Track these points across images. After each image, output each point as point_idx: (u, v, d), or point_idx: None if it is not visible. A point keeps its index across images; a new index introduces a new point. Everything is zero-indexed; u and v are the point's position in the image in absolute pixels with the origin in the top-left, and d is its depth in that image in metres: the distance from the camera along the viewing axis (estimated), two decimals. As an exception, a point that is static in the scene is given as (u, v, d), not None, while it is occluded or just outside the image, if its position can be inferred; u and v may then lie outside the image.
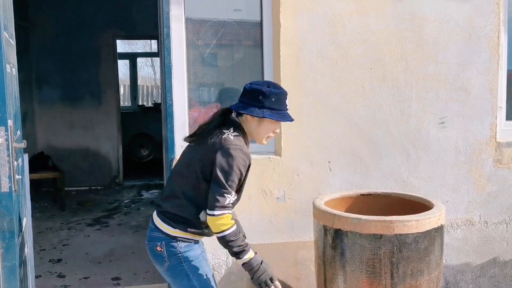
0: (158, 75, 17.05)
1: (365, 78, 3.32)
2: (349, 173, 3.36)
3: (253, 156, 3.21)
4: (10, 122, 1.89)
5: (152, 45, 14.59)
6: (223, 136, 2.09)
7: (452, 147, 3.47)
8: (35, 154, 6.40)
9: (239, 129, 2.16)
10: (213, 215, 2.03)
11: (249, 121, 2.17)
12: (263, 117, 2.10)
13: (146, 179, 7.69)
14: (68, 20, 6.91)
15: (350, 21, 3.27)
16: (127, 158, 8.01)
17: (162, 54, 3.17)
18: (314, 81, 3.27)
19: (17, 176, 1.94)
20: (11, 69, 2.13)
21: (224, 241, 2.06)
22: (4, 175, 1.84)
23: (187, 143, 2.25)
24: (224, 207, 2.04)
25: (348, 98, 3.32)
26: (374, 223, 2.41)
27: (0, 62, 1.84)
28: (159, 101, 11.67)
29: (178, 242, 2.13)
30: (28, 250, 2.56)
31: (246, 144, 2.16)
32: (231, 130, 2.12)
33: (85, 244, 4.63)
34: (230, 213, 2.07)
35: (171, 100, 3.15)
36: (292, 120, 2.19)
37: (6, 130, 1.85)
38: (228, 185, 2.04)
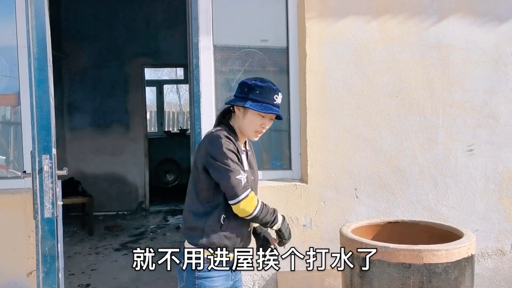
0: (183, 101, 17.35)
1: (391, 106, 3.34)
2: (376, 201, 3.35)
3: (279, 183, 3.28)
4: (54, 151, 1.98)
5: (177, 72, 14.93)
6: (207, 134, 2.15)
7: (481, 174, 3.42)
8: (65, 180, 6.55)
9: (226, 126, 2.17)
10: (238, 201, 2.03)
11: (237, 116, 2.17)
12: (244, 107, 2.10)
13: (171, 205, 7.77)
14: (99, 50, 7.16)
15: (375, 50, 3.32)
16: (153, 183, 8.12)
17: (191, 83, 3.26)
18: (340, 109, 3.30)
19: (58, 202, 2.02)
20: (52, 100, 2.25)
21: (257, 219, 2.10)
22: (47, 201, 1.93)
23: None
24: (243, 188, 2.04)
25: (374, 126, 3.33)
26: (402, 252, 2.39)
27: (47, 94, 1.95)
28: (185, 127, 11.89)
29: (197, 265, 2.08)
30: (61, 275, 2.62)
31: (232, 136, 2.13)
32: (218, 128, 2.16)
33: (113, 269, 4.69)
34: (251, 191, 2.07)
35: (200, 128, 3.22)
36: (279, 116, 2.15)
37: (51, 158, 1.95)
38: (230, 166, 2.03)
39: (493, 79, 3.41)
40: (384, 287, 2.43)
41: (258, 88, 2.12)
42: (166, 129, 11.37)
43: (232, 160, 2.05)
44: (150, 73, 14.39)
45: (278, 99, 2.16)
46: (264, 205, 2.12)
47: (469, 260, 2.48)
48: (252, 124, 2.15)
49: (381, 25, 3.31)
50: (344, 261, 2.65)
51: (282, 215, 2.25)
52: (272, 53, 3.50)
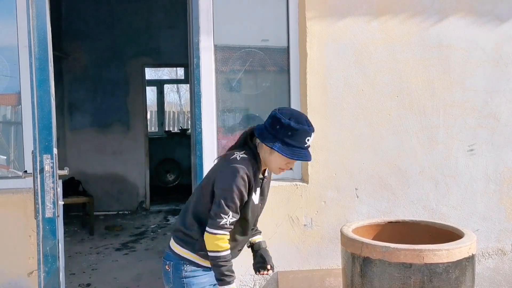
0: (183, 101, 17.36)
1: (391, 105, 3.34)
2: (377, 200, 3.35)
3: (279, 183, 3.28)
4: (55, 150, 1.98)
5: (178, 72, 14.93)
6: (231, 157, 2.05)
7: (481, 174, 3.43)
8: (66, 179, 6.56)
9: (252, 153, 2.09)
10: (208, 232, 2.00)
11: (263, 147, 2.09)
12: (272, 148, 2.02)
13: (172, 204, 7.77)
14: (100, 50, 7.15)
15: (376, 50, 3.32)
16: (153, 183, 8.12)
17: (192, 82, 3.26)
18: (340, 109, 3.30)
19: (59, 202, 2.02)
20: (53, 100, 2.25)
21: (213, 261, 2.02)
22: (49, 201, 1.93)
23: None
24: (220, 227, 1.99)
25: (375, 126, 3.33)
26: (403, 251, 2.40)
27: (48, 94, 1.95)
28: (185, 127, 11.88)
29: (185, 265, 2.11)
30: (62, 274, 2.62)
31: (255, 168, 2.07)
32: (242, 152, 2.07)
33: (113, 269, 4.69)
34: (226, 234, 2.01)
35: (200, 127, 3.22)
36: (307, 159, 2.06)
37: (52, 158, 1.95)
38: (226, 205, 1.98)
39: (494, 79, 3.41)
40: (385, 287, 2.43)
41: (291, 130, 2.01)
42: (166, 129, 11.37)
43: (232, 200, 2.00)
44: (150, 73, 14.39)
45: (310, 141, 2.05)
46: (228, 259, 2.04)
47: (470, 260, 2.49)
48: (278, 163, 2.09)
49: (382, 25, 3.31)
50: (345, 260, 2.65)
51: None
52: (273, 53, 3.50)
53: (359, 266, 2.52)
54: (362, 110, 3.32)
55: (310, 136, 2.05)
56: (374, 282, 2.46)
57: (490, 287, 3.48)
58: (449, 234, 2.69)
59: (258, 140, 2.11)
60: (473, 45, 3.38)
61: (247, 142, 2.13)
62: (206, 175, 2.20)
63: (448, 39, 3.36)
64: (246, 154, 2.07)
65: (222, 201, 1.99)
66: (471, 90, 3.40)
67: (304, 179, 3.36)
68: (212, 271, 2.10)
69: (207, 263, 2.11)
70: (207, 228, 2.02)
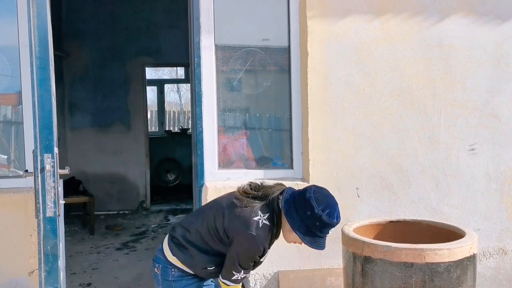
0: (184, 101, 17.35)
1: (392, 105, 3.34)
2: (378, 200, 3.35)
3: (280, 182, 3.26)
4: (56, 150, 1.98)
5: (178, 72, 14.91)
6: (254, 219, 1.98)
7: (483, 174, 3.42)
8: (67, 179, 6.55)
9: (273, 219, 2.03)
10: (222, 281, 2.09)
11: (285, 220, 2.04)
12: (295, 233, 2.00)
13: (172, 204, 7.77)
14: (100, 50, 7.15)
15: (377, 49, 3.31)
16: (153, 183, 8.12)
17: (193, 82, 3.26)
18: (341, 108, 3.30)
19: (60, 201, 2.02)
20: (54, 99, 2.24)
21: None
22: (49, 200, 1.93)
23: (231, 193, 2.20)
24: (232, 281, 2.07)
25: (376, 125, 3.33)
26: (404, 251, 2.39)
27: (49, 93, 1.95)
28: (186, 127, 11.87)
29: (173, 269, 2.16)
30: (62, 274, 2.62)
31: (273, 237, 2.07)
32: (266, 216, 2.00)
33: (114, 269, 4.69)
34: (239, 285, 2.09)
35: (201, 127, 3.22)
36: (322, 248, 2.05)
37: (53, 157, 1.94)
38: (240, 266, 2.03)
39: (495, 78, 3.41)
40: (386, 286, 2.43)
41: (320, 221, 1.97)
42: (167, 129, 11.36)
43: (246, 263, 2.04)
44: (151, 73, 14.38)
45: (332, 231, 2.04)
46: None
47: (471, 259, 2.48)
48: (293, 239, 2.08)
49: (383, 24, 3.31)
50: (346, 260, 2.65)
51: None
52: (274, 52, 3.49)
53: (360, 265, 2.52)
54: (363, 110, 3.32)
55: (334, 227, 2.03)
56: (375, 281, 2.46)
57: (491, 287, 3.48)
58: (450, 234, 2.69)
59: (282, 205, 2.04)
60: (474, 44, 3.38)
61: (273, 203, 2.05)
62: (216, 205, 2.15)
63: (449, 38, 3.36)
64: (268, 221, 2.00)
65: (236, 262, 2.02)
66: (472, 89, 3.39)
67: (305, 178, 3.36)
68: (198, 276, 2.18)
69: (189, 269, 2.17)
70: (220, 277, 2.09)
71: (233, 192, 2.18)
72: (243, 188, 2.12)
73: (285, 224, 2.05)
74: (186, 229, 2.18)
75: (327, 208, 1.99)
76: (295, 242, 2.11)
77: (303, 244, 2.06)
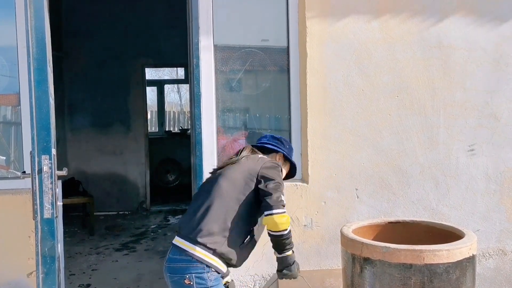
0: (184, 101, 17.35)
1: (391, 105, 3.33)
2: (377, 201, 3.34)
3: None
4: (54, 151, 1.97)
5: (178, 72, 14.91)
6: (265, 156, 2.45)
7: (482, 174, 3.42)
8: (66, 180, 6.55)
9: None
10: (278, 213, 2.16)
11: (276, 158, 2.55)
12: (283, 152, 2.54)
13: (172, 205, 7.76)
14: (100, 50, 7.15)
15: (376, 50, 3.31)
16: (153, 183, 8.11)
17: (192, 83, 3.25)
18: (340, 109, 3.29)
19: (58, 203, 2.01)
20: (52, 100, 2.24)
21: (281, 240, 2.22)
22: (47, 201, 1.92)
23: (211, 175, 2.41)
24: (283, 205, 2.19)
25: (375, 126, 3.32)
26: (403, 252, 2.38)
27: (47, 95, 1.94)
28: (186, 127, 11.87)
29: (209, 273, 2.10)
30: (61, 275, 2.62)
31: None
32: (267, 156, 2.48)
33: (113, 269, 4.68)
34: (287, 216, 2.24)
35: (200, 128, 3.21)
36: (295, 167, 2.64)
37: (50, 159, 1.94)
38: (280, 184, 2.25)
39: (494, 79, 3.40)
40: (385, 287, 2.42)
41: (288, 144, 2.64)
42: (167, 129, 11.36)
43: (282, 185, 2.30)
44: (150, 73, 14.37)
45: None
46: (290, 230, 2.25)
47: (471, 260, 2.47)
48: (286, 170, 2.60)
49: (382, 25, 3.30)
50: (345, 261, 2.64)
51: (296, 263, 2.40)
52: (273, 53, 3.49)
53: (359, 266, 2.51)
54: (362, 110, 3.31)
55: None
56: (374, 282, 2.45)
57: (491, 288, 3.47)
58: (450, 235, 2.67)
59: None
60: (473, 45, 3.37)
61: (261, 151, 2.53)
62: (234, 178, 2.29)
63: (448, 38, 3.35)
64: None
65: (279, 184, 2.25)
66: (471, 90, 3.39)
67: (304, 179, 3.35)
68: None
69: (223, 268, 2.18)
70: (273, 211, 2.16)
71: (227, 165, 2.38)
72: (250, 149, 2.49)
73: (279, 160, 2.56)
74: (206, 222, 2.17)
75: (280, 137, 2.65)
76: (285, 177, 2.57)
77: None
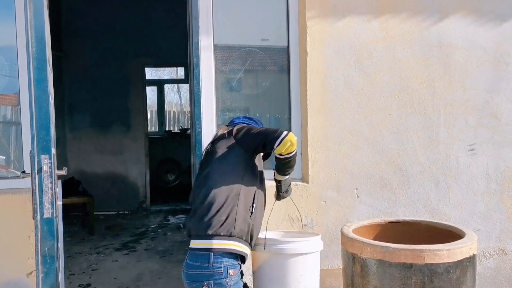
0: (184, 101, 17.34)
1: (392, 105, 3.33)
2: (377, 200, 3.34)
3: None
4: (53, 151, 1.97)
5: (178, 72, 14.89)
6: (239, 127, 2.48)
7: (482, 174, 3.41)
8: (66, 179, 6.55)
9: None
10: (286, 134, 2.27)
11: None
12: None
13: (172, 204, 7.76)
14: (100, 50, 7.14)
15: (376, 49, 3.30)
16: (153, 183, 8.11)
17: (192, 82, 3.25)
18: (341, 109, 3.29)
19: (58, 202, 2.01)
20: (52, 100, 2.24)
21: (294, 158, 2.37)
22: (47, 201, 1.92)
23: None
24: (283, 135, 2.27)
25: (375, 125, 3.32)
26: (404, 252, 2.38)
27: (46, 94, 1.93)
28: (186, 127, 11.86)
29: (227, 278, 2.10)
30: (61, 275, 2.61)
31: None
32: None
33: (113, 269, 4.68)
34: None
35: (200, 127, 3.21)
36: None
37: (50, 158, 1.93)
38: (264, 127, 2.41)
39: (495, 78, 3.40)
40: (386, 287, 2.42)
41: (259, 122, 2.73)
42: (167, 129, 11.35)
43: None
44: (150, 73, 14.36)
45: None
46: None
47: (471, 260, 2.47)
48: None
49: (382, 24, 3.30)
50: (345, 261, 2.64)
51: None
52: (273, 52, 3.49)
53: (360, 266, 2.51)
54: (363, 110, 3.31)
55: None
56: (375, 282, 2.45)
57: (491, 287, 3.46)
58: (450, 234, 2.67)
59: None
60: (473, 44, 3.37)
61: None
62: (219, 157, 2.33)
63: (448, 38, 3.35)
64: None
65: (262, 128, 2.41)
66: (471, 89, 3.38)
67: (304, 179, 3.35)
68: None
69: (245, 250, 2.21)
70: (278, 141, 2.26)
71: (208, 153, 2.45)
72: (225, 129, 2.54)
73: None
74: (211, 208, 2.20)
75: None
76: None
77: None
